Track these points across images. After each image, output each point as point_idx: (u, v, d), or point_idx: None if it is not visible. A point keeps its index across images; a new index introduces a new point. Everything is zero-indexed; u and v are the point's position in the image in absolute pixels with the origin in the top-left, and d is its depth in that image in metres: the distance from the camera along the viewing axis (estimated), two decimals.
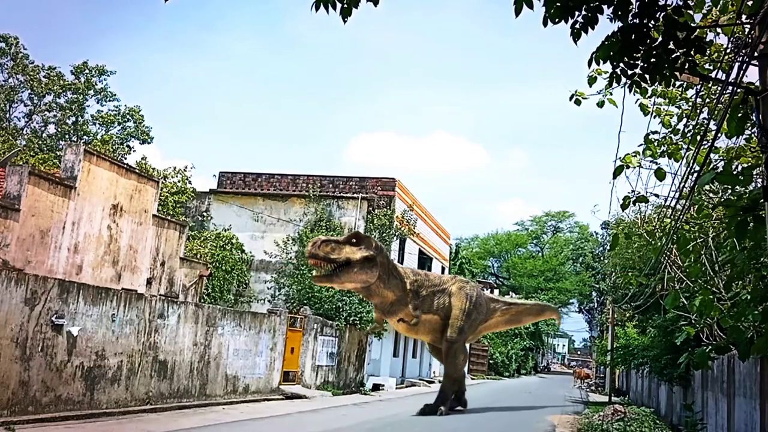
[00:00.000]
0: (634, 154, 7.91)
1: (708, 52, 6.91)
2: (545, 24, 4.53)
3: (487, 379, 47.66)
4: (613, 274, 27.93)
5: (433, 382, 35.06)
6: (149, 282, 18.15)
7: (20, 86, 34.23)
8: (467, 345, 18.09)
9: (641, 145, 8.13)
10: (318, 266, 13.23)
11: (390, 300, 14.61)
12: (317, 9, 4.74)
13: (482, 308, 17.42)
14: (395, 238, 27.43)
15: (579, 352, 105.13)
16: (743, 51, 5.89)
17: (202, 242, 23.14)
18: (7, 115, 34.54)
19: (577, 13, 4.51)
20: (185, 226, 20.25)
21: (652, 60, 4.55)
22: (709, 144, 6.80)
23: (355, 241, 13.54)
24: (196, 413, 13.81)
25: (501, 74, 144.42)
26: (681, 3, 4.64)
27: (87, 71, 35.78)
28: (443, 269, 39.50)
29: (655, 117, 8.42)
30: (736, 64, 5.86)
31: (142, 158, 25.55)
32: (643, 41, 4.47)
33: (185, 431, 11.52)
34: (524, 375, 59.88)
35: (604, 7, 4.50)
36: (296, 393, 18.79)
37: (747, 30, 6.12)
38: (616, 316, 30.74)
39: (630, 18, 4.45)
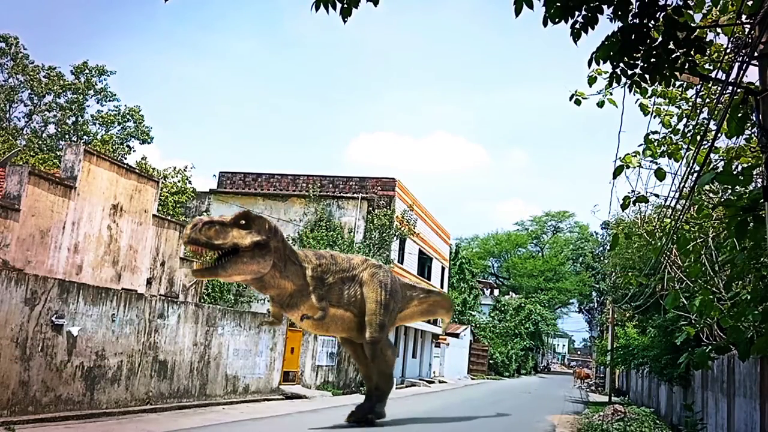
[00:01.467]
0: (634, 154, 7.91)
1: (708, 52, 6.92)
2: (545, 24, 4.53)
3: (487, 379, 47.67)
4: (613, 274, 27.94)
5: (433, 382, 35.11)
6: (149, 282, 18.15)
7: (20, 86, 34.26)
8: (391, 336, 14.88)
9: (641, 145, 8.13)
10: (199, 254, 10.96)
11: (289, 291, 12.17)
12: (317, 9, 4.75)
13: (398, 296, 14.78)
14: (395, 238, 27.44)
15: (579, 352, 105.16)
16: (743, 51, 5.89)
17: None
18: (7, 115, 34.56)
19: (577, 13, 4.51)
20: (185, 226, 20.24)
21: (652, 60, 4.55)
22: (709, 144, 6.80)
23: (243, 222, 11.17)
24: (196, 413, 13.81)
25: (501, 74, 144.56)
26: (681, 3, 4.64)
27: (87, 71, 35.81)
28: (443, 269, 39.53)
29: (655, 117, 8.42)
30: (736, 64, 5.86)
31: (142, 158, 25.61)
32: (643, 41, 4.47)
33: (185, 431, 11.53)
34: (524, 375, 59.89)
35: (604, 7, 4.50)
36: (296, 393, 18.81)
37: (747, 30, 6.12)
38: (616, 316, 30.75)
39: (630, 18, 4.45)
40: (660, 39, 4.52)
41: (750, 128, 6.49)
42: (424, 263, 34.60)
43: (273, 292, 12.20)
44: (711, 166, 7.62)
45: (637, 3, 4.44)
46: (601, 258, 50.19)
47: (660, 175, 7.00)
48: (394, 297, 14.28)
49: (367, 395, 14.59)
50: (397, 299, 14.69)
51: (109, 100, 36.82)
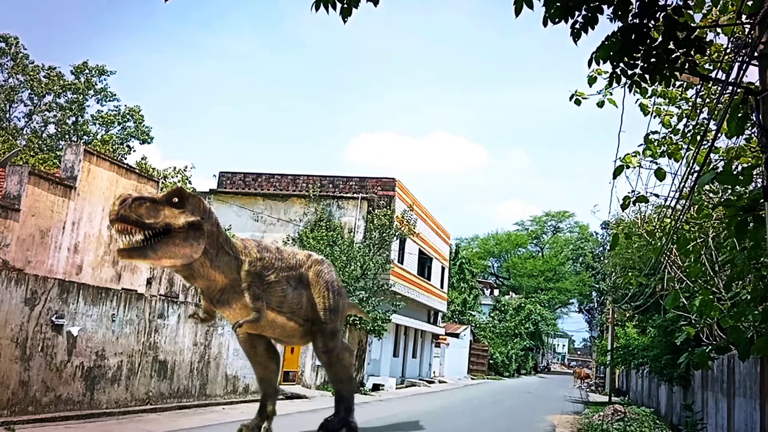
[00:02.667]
0: (634, 154, 7.91)
1: (708, 52, 6.91)
2: (545, 24, 4.53)
3: (487, 379, 47.67)
4: (613, 274, 27.92)
5: (432, 382, 35.10)
6: (149, 282, 18.15)
7: (20, 86, 34.29)
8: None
9: (641, 145, 8.13)
10: (126, 233, 9.47)
11: (220, 285, 10.63)
12: (317, 9, 4.75)
13: (344, 290, 13.44)
14: (395, 238, 27.43)
15: (579, 352, 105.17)
16: (743, 51, 5.90)
17: None
18: (7, 115, 34.57)
19: (577, 13, 4.51)
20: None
21: (652, 60, 4.55)
22: (709, 144, 6.80)
23: (176, 200, 9.81)
24: (196, 413, 13.81)
25: (501, 74, 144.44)
26: (681, 3, 4.64)
27: (87, 71, 35.84)
28: (443, 269, 39.52)
29: (655, 117, 8.42)
30: (736, 64, 5.86)
31: (142, 158, 25.67)
32: (643, 41, 4.47)
33: (185, 431, 11.53)
34: (524, 375, 59.90)
35: (604, 7, 4.50)
36: (296, 393, 18.80)
37: (747, 30, 6.12)
38: (616, 316, 30.75)
39: (630, 18, 4.45)
40: (660, 39, 4.51)
41: (750, 128, 6.49)
42: (424, 263, 34.60)
43: (202, 283, 10.72)
44: (711, 166, 7.61)
45: (637, 3, 4.44)
46: (601, 258, 50.16)
47: (660, 175, 7.00)
48: (340, 293, 12.97)
49: (335, 406, 13.13)
50: (343, 293, 13.33)
51: (109, 100, 36.90)
